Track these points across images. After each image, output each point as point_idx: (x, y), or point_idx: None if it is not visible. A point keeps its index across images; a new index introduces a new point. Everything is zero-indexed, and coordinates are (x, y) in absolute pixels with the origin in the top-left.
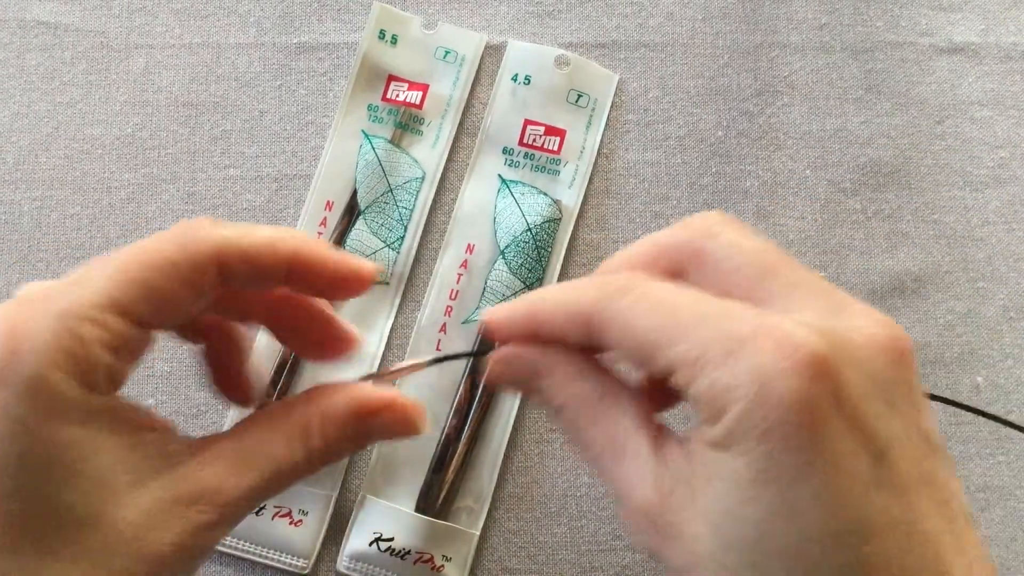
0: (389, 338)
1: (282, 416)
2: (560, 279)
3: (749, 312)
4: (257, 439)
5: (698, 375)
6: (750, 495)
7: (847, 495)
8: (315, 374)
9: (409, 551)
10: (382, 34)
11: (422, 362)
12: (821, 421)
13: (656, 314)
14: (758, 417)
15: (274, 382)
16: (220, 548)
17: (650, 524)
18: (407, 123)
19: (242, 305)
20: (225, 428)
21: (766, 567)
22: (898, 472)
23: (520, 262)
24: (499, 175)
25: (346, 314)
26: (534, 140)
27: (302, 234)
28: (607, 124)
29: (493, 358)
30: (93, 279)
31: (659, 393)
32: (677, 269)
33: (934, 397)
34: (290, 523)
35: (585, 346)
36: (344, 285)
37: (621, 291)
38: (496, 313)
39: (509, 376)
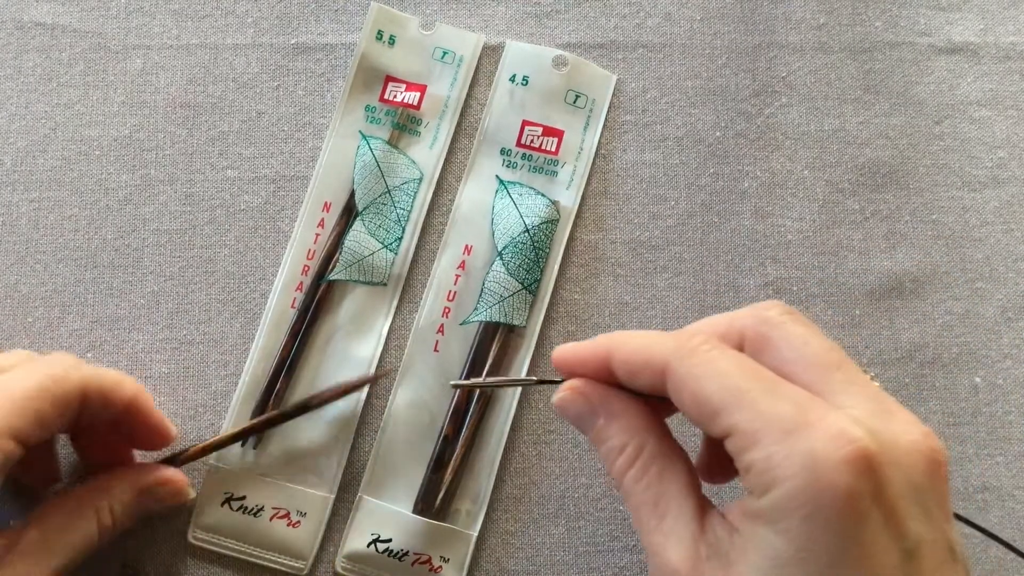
0: (387, 340)
1: (76, 505)
2: (558, 280)
3: (810, 399)
4: (57, 528)
5: (753, 445)
6: (787, 572)
7: None
8: (313, 375)
9: (407, 552)
10: (380, 35)
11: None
12: (863, 512)
13: (727, 379)
14: (806, 497)
15: (271, 383)
16: (218, 549)
17: None
18: (405, 124)
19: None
20: (223, 429)
21: None
22: (922, 572)
23: (518, 263)
24: (497, 176)
25: (344, 317)
26: (532, 141)
27: (138, 385)
28: (605, 125)
29: (565, 387)
30: None
31: (714, 463)
32: (740, 348)
33: (958, 517)
34: (288, 524)
35: (649, 394)
36: (154, 437)
37: (701, 348)
38: (567, 349)
39: (574, 408)
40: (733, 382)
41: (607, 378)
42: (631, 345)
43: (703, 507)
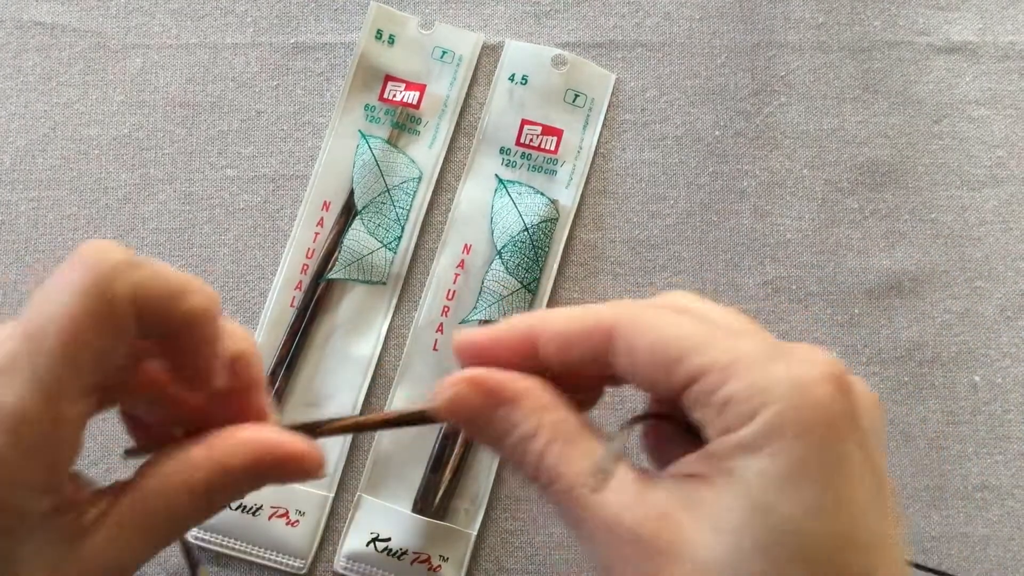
0: (386, 338)
1: (179, 471)
2: (557, 279)
3: (769, 336)
4: (156, 500)
5: (731, 377)
6: (784, 492)
7: (862, 509)
8: (312, 373)
9: (406, 551)
10: (379, 34)
11: (374, 419)
12: (847, 435)
13: (688, 325)
14: (796, 417)
15: (271, 382)
16: (217, 548)
17: (641, 549)
18: (404, 123)
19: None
20: None
21: (787, 571)
22: (886, 505)
23: (517, 262)
24: (496, 175)
25: (343, 316)
26: (531, 140)
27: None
28: (604, 124)
29: (451, 380)
30: (23, 371)
31: (656, 442)
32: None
33: (917, 566)
34: (287, 523)
35: (586, 364)
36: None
37: (650, 305)
38: (477, 334)
39: (473, 402)
40: (695, 327)
41: (517, 364)
42: (561, 316)
43: (637, 471)
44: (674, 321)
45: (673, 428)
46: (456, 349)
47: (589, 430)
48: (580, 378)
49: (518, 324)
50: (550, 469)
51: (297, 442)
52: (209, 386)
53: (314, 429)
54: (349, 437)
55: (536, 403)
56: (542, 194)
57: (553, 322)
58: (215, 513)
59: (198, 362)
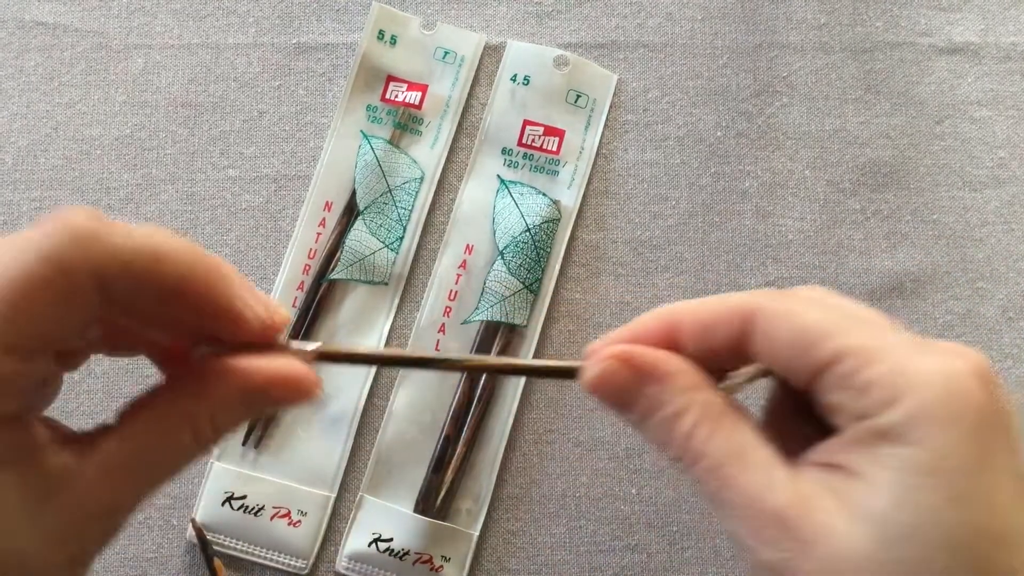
0: (388, 339)
1: (167, 412)
2: (559, 279)
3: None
4: (148, 442)
5: (874, 361)
6: (929, 482)
7: (1007, 506)
8: None
9: (408, 551)
10: (381, 34)
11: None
12: (994, 427)
13: (833, 309)
14: (943, 404)
15: None
16: (219, 549)
17: (784, 531)
18: (406, 123)
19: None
20: None
21: (930, 560)
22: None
23: (519, 262)
24: (498, 175)
25: (346, 316)
26: (533, 140)
27: (195, 254)
28: (606, 124)
29: (601, 355)
30: None
31: (786, 424)
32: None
33: None
34: (289, 523)
35: (725, 350)
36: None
37: (793, 291)
38: (617, 334)
39: (618, 380)
40: (836, 312)
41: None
42: (701, 303)
43: (783, 456)
44: (814, 307)
45: (794, 406)
46: (604, 357)
47: (733, 410)
48: (715, 366)
49: (658, 314)
50: (696, 448)
51: (289, 370)
52: (237, 336)
53: (438, 363)
54: (351, 438)
55: (686, 382)
56: (544, 195)
57: (694, 309)
58: (204, 455)
59: (210, 320)
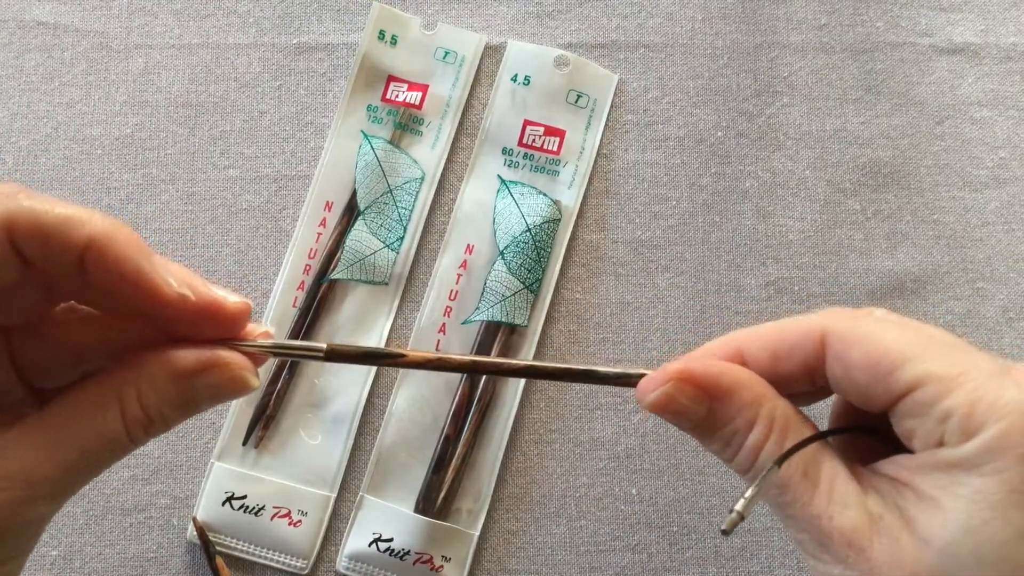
0: (388, 339)
1: (95, 388)
2: (560, 280)
3: (986, 353)
4: (69, 415)
5: (955, 389)
6: (998, 515)
7: None
8: (315, 374)
9: (408, 551)
10: (382, 35)
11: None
12: None
13: (908, 332)
14: (1022, 438)
15: (273, 382)
16: (219, 549)
17: (853, 549)
18: (407, 123)
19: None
20: (224, 428)
21: None
22: None
23: (519, 263)
24: (499, 176)
25: (346, 316)
26: (534, 140)
27: (111, 221)
28: (606, 124)
29: (657, 378)
30: None
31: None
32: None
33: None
34: (289, 523)
35: (796, 376)
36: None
37: (865, 313)
38: (679, 364)
39: (684, 397)
40: (912, 335)
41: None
42: (769, 328)
43: (853, 467)
44: (890, 329)
45: (860, 418)
46: (664, 380)
47: (802, 419)
48: (783, 391)
49: (724, 341)
50: (763, 465)
51: (220, 353)
52: (157, 313)
53: (496, 370)
54: (351, 438)
55: (752, 394)
56: (544, 195)
57: (762, 334)
58: (140, 441)
59: (145, 283)
